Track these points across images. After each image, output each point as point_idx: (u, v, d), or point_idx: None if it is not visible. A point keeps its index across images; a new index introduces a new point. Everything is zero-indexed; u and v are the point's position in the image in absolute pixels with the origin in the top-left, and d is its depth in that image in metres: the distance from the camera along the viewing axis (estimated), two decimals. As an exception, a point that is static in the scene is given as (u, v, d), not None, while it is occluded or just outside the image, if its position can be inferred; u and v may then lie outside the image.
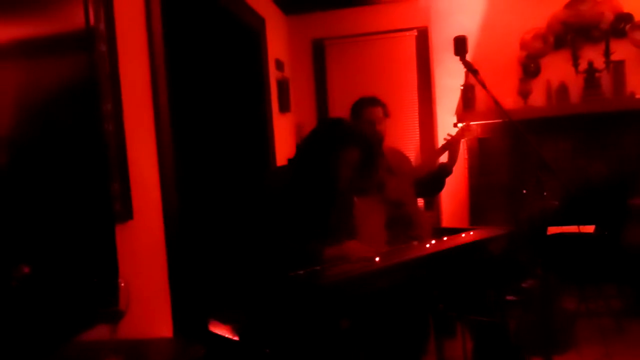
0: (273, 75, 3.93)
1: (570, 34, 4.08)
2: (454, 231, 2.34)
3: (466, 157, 4.11)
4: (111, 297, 1.26)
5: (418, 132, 4.34)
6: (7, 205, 1.19)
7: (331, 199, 2.14)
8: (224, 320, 2.06)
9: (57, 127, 1.41)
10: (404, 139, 4.28)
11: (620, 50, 3.92)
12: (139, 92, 2.12)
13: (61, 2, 1.43)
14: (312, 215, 2.09)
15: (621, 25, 4.05)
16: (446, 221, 4.24)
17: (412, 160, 3.35)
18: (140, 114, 2.11)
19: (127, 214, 1.92)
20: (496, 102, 2.54)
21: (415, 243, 2.18)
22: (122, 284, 1.30)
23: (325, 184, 2.08)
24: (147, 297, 1.96)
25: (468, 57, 2.56)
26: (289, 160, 2.39)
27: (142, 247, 2.01)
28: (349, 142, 2.05)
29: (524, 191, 2.59)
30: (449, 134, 3.10)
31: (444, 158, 3.15)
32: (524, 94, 4.13)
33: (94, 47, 1.68)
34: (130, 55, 2.06)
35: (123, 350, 1.31)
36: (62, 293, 1.33)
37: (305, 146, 2.19)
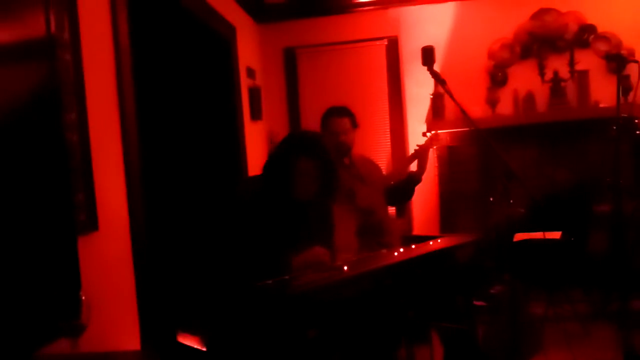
0: (244, 83, 3.93)
1: (536, 44, 4.19)
2: (423, 239, 2.37)
3: (436, 165, 4.16)
4: (72, 311, 1.24)
5: (389, 140, 4.38)
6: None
7: (296, 209, 2.15)
8: (191, 332, 2.04)
9: (17, 136, 1.38)
10: (375, 147, 4.31)
11: (584, 60, 4.04)
12: (105, 101, 2.10)
13: (20, 9, 1.41)
14: (281, 225, 2.10)
15: (585, 36, 4.17)
16: (417, 228, 4.28)
17: (383, 168, 3.38)
18: (107, 123, 2.09)
19: (92, 224, 1.89)
20: (463, 112, 2.59)
21: (384, 251, 2.19)
22: (84, 297, 1.27)
23: (285, 194, 2.10)
24: (113, 309, 1.93)
25: (437, 67, 2.60)
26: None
27: (108, 258, 1.97)
28: (301, 152, 2.08)
29: (491, 199, 2.63)
30: (417, 145, 3.14)
31: (414, 166, 3.18)
32: (492, 102, 4.21)
33: (55, 56, 1.66)
34: (96, 64, 2.03)
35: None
36: (21, 306, 1.30)
37: (269, 157, 2.24)
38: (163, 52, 3.25)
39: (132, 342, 2.02)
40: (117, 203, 2.10)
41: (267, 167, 2.19)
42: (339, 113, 2.90)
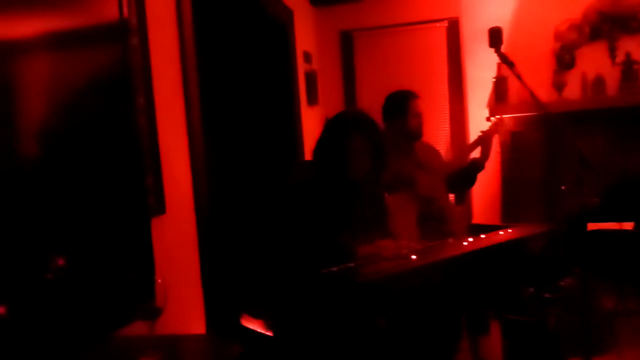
0: (301, 67, 3.89)
1: (606, 25, 3.96)
2: (489, 228, 2.28)
3: (499, 150, 4.02)
4: (148, 294, 1.24)
5: (448, 126, 4.25)
6: (42, 197, 1.18)
7: (351, 190, 2.11)
8: (256, 315, 2.04)
9: (92, 120, 1.39)
10: (434, 133, 4.20)
11: (659, 41, 3.79)
12: (170, 86, 2.10)
13: (96, -7, 1.41)
14: (335, 207, 2.07)
15: (661, 15, 3.91)
16: (477, 216, 4.16)
17: (442, 154, 3.29)
18: (172, 107, 2.10)
19: (160, 208, 1.91)
20: (533, 95, 2.47)
21: (452, 240, 2.12)
22: (159, 280, 1.28)
23: (340, 175, 2.06)
24: (180, 293, 1.94)
25: (502, 49, 2.50)
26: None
27: (175, 241, 1.99)
28: (353, 130, 2.05)
29: (563, 187, 2.51)
30: (481, 131, 3.04)
31: (476, 153, 3.08)
32: (559, 86, 4.01)
33: (127, 39, 1.66)
34: (162, 49, 2.04)
35: (161, 347, 1.29)
36: (99, 288, 1.32)
37: (320, 137, 2.19)
38: (224, 37, 3.26)
39: (197, 325, 2.04)
40: (183, 186, 2.11)
41: (319, 146, 2.15)
42: (415, 95, 2.85)
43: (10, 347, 1.08)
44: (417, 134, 2.88)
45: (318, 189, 2.08)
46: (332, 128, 2.14)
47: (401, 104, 2.87)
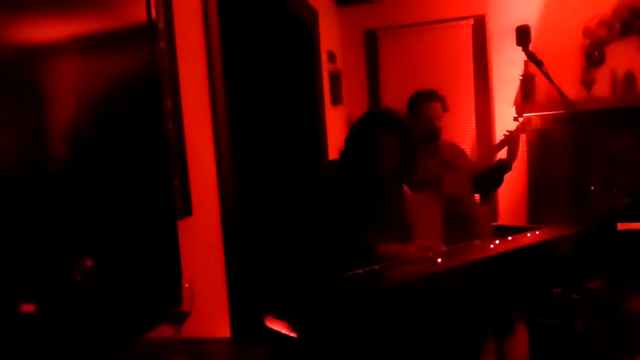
0: (325, 67, 3.89)
1: (638, 21, 3.86)
2: (517, 230, 2.25)
3: (525, 149, 3.96)
4: (175, 298, 1.26)
5: (474, 125, 4.20)
6: (71, 199, 1.20)
7: (378, 189, 2.10)
8: (280, 317, 2.05)
9: (121, 123, 1.41)
10: (459, 132, 4.15)
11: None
12: (197, 89, 2.12)
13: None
14: (362, 207, 2.06)
15: (695, 10, 3.80)
16: (503, 216, 4.11)
17: (468, 154, 3.26)
18: (198, 110, 2.12)
19: (187, 210, 1.93)
20: (561, 93, 2.43)
21: (478, 243, 2.10)
22: (186, 285, 1.29)
23: (369, 174, 2.05)
24: (206, 295, 1.96)
25: (529, 47, 2.46)
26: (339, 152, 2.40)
27: (201, 243, 2.01)
28: (382, 128, 2.04)
29: (592, 187, 2.46)
30: (507, 130, 2.99)
31: (502, 153, 3.04)
32: (587, 83, 3.93)
33: (155, 43, 1.68)
34: (188, 52, 2.06)
35: (186, 350, 1.30)
36: (126, 291, 1.34)
37: (349, 135, 2.18)
38: (249, 38, 3.28)
39: (222, 328, 2.06)
40: (209, 188, 2.13)
41: (348, 144, 2.15)
42: (431, 97, 2.81)
43: (39, 345, 1.10)
44: (429, 137, 2.83)
45: (345, 188, 2.08)
46: (362, 126, 2.13)
47: (412, 106, 2.85)
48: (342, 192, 2.07)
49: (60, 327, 1.15)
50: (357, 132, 2.12)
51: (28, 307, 1.12)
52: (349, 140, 2.15)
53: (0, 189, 1.04)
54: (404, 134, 2.05)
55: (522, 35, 2.45)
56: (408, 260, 1.83)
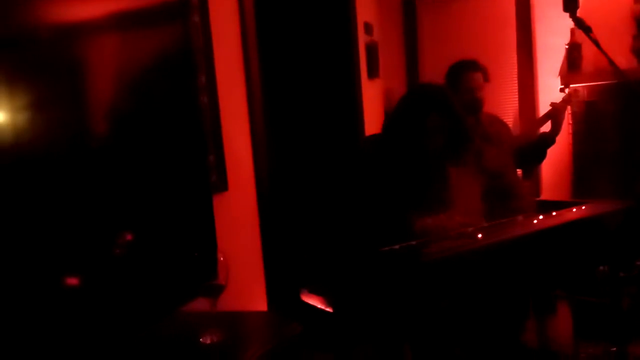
0: (362, 39, 3.81)
1: (696, -17, 3.62)
2: (561, 205, 2.17)
3: (570, 122, 3.80)
4: (211, 272, 1.26)
5: (517, 97, 4.06)
6: (110, 174, 1.21)
7: (424, 168, 2.06)
8: (317, 292, 2.05)
9: (156, 99, 1.41)
10: (501, 104, 4.02)
11: None
12: (231, 63, 2.11)
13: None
14: (407, 185, 2.02)
15: None
16: (546, 192, 3.98)
17: (511, 127, 3.16)
18: (233, 85, 2.10)
19: (222, 185, 1.94)
20: (611, 62, 2.31)
21: (521, 218, 2.04)
22: (221, 258, 1.29)
23: (415, 153, 2.00)
24: (242, 269, 1.98)
25: (577, 13, 2.34)
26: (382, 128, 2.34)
27: (237, 218, 2.02)
28: (430, 108, 1.98)
29: (642, 161, 2.34)
30: (552, 103, 2.88)
31: (546, 127, 2.93)
32: (639, 52, 3.73)
33: (189, 17, 1.67)
34: (222, 26, 2.04)
35: (223, 323, 1.31)
36: (163, 265, 1.35)
37: (393, 115, 2.13)
38: (283, 9, 3.23)
39: (259, 301, 2.07)
40: (245, 163, 2.13)
41: (393, 124, 2.10)
42: (472, 67, 2.72)
43: (82, 317, 1.12)
44: (469, 109, 2.74)
45: (388, 165, 2.04)
46: (409, 105, 2.07)
47: (453, 77, 2.75)
48: (385, 169, 2.04)
49: (102, 300, 1.17)
50: (404, 111, 2.06)
51: (72, 280, 1.15)
52: (395, 118, 2.09)
53: (44, 165, 1.05)
54: (453, 113, 1.99)
55: (570, 0, 2.34)
56: (447, 236, 1.79)
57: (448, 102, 2.00)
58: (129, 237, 1.30)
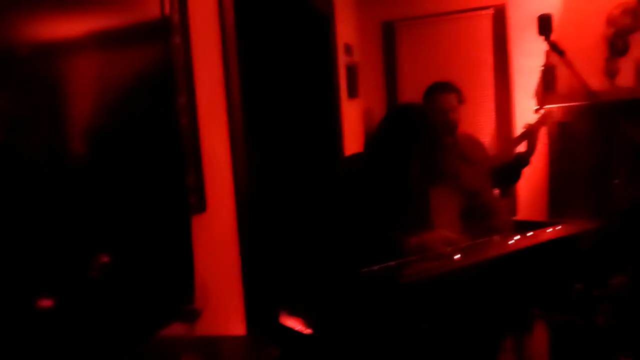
0: (342, 60, 3.85)
1: (664, 8, 3.75)
2: (536, 225, 2.20)
3: (546, 142, 3.88)
4: (188, 296, 1.25)
5: (493, 117, 4.13)
6: (86, 194, 1.19)
7: (405, 189, 2.08)
8: (296, 314, 2.04)
9: (135, 119, 1.41)
10: (478, 124, 4.09)
11: None
12: (212, 83, 2.11)
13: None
14: (389, 205, 2.04)
15: None
16: (522, 210, 4.04)
17: (487, 147, 3.20)
18: (213, 105, 2.10)
19: (201, 205, 1.93)
20: (584, 84, 2.37)
21: (497, 238, 2.06)
22: (199, 282, 1.28)
23: (397, 174, 2.02)
24: (220, 292, 1.96)
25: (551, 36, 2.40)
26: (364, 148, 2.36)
27: (216, 239, 2.01)
28: (414, 130, 2.01)
29: (615, 181, 2.40)
30: (527, 124, 2.94)
31: (521, 147, 2.99)
32: (611, 73, 3.84)
33: (170, 38, 1.67)
34: (203, 46, 2.04)
35: (200, 348, 1.30)
36: (139, 288, 1.33)
37: (375, 135, 2.15)
38: (265, 30, 3.25)
39: (237, 326, 2.05)
40: (224, 183, 2.12)
41: (375, 144, 2.11)
42: (445, 89, 2.76)
43: (54, 341, 1.10)
44: (444, 129, 2.78)
45: (370, 184, 2.06)
46: (391, 126, 2.09)
47: (427, 98, 2.80)
48: (366, 189, 2.05)
49: (75, 324, 1.15)
50: (386, 132, 2.09)
51: (45, 303, 1.13)
52: (377, 140, 2.11)
53: (20, 185, 1.04)
54: (434, 135, 2.02)
55: (545, 25, 2.40)
56: (425, 256, 1.80)
57: (429, 124, 2.03)
58: (103, 259, 1.28)
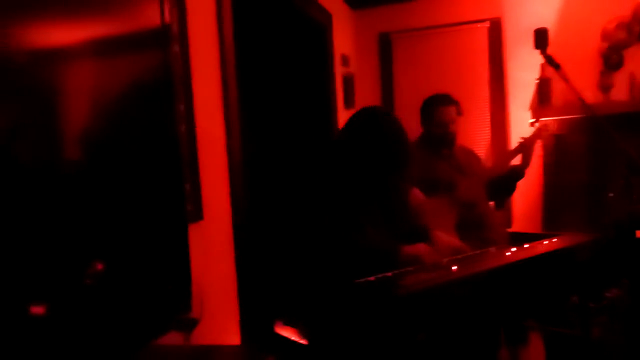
0: (339, 70, 3.87)
1: (658, 23, 3.79)
2: (532, 237, 2.21)
3: (541, 154, 3.90)
4: (185, 305, 1.25)
5: (489, 129, 4.15)
6: (83, 202, 1.19)
7: (383, 191, 2.08)
8: (291, 324, 2.03)
9: (134, 127, 1.41)
10: (474, 137, 4.11)
11: None
12: (210, 92, 2.11)
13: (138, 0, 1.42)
14: (365, 208, 2.03)
15: None
16: (517, 222, 4.05)
17: (482, 159, 3.22)
18: (211, 114, 2.11)
19: (197, 214, 1.92)
20: (580, 98, 2.39)
21: (493, 250, 2.06)
22: (196, 291, 1.28)
23: (363, 174, 2.03)
24: (216, 300, 1.95)
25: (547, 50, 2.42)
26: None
27: (212, 248, 2.00)
28: (385, 136, 1.99)
29: (610, 194, 2.41)
30: (522, 137, 2.96)
31: (517, 160, 3.00)
32: (605, 87, 3.87)
33: (169, 46, 1.68)
34: (202, 55, 2.05)
35: (196, 357, 1.29)
36: (135, 296, 1.33)
37: (349, 139, 2.12)
38: (263, 41, 3.27)
39: (232, 335, 2.04)
40: (221, 192, 2.12)
41: (346, 150, 2.11)
42: (445, 101, 2.77)
43: (49, 349, 1.09)
44: (443, 142, 2.79)
45: (352, 190, 2.05)
46: (359, 131, 2.06)
47: (427, 111, 2.80)
48: (350, 193, 2.04)
49: (70, 331, 1.14)
50: (357, 137, 2.06)
51: (38, 310, 1.12)
52: (348, 146, 2.10)
53: (16, 191, 1.03)
54: (403, 138, 2.02)
55: (541, 38, 2.42)
56: (423, 266, 1.80)
57: (397, 129, 2.02)
58: (99, 266, 1.27)
